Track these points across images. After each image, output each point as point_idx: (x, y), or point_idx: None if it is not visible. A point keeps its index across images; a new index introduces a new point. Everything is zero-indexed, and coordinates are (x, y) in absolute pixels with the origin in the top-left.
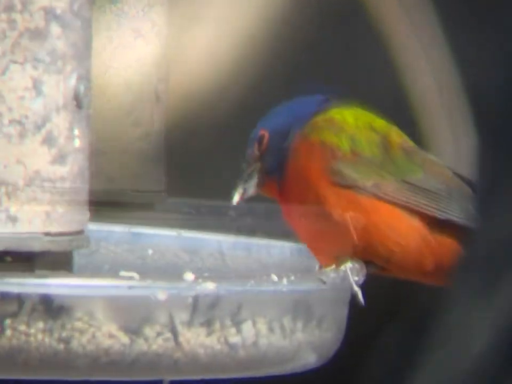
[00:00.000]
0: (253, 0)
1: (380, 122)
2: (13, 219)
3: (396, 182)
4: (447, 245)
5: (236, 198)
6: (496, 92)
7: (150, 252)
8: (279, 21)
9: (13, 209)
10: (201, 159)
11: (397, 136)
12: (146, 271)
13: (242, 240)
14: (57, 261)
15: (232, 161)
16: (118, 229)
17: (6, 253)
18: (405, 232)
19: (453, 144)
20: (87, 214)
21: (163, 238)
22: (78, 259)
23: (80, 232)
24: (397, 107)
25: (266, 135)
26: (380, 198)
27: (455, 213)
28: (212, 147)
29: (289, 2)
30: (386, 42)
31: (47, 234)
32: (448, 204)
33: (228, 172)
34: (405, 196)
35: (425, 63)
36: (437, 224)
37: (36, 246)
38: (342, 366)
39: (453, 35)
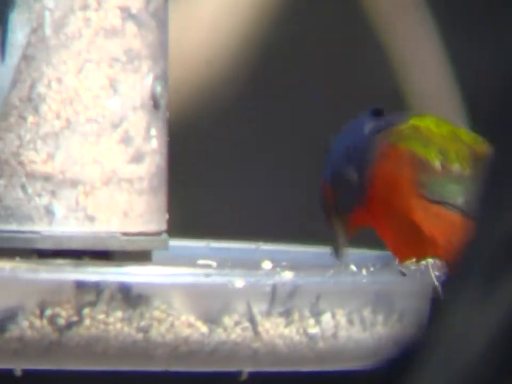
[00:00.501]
0: None
1: (464, 131)
2: (91, 218)
3: None
4: None
5: (338, 260)
6: (493, 91)
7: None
8: (280, 10)
9: (90, 209)
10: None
11: (484, 147)
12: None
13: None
14: (135, 261)
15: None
16: (196, 244)
17: (83, 252)
18: None
19: None
20: (166, 215)
21: (242, 251)
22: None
23: (158, 233)
24: (396, 106)
25: (328, 187)
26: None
27: None
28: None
29: None
30: (385, 43)
31: (124, 234)
32: None
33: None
34: None
35: (423, 63)
36: None
37: (113, 245)
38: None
39: (450, 35)
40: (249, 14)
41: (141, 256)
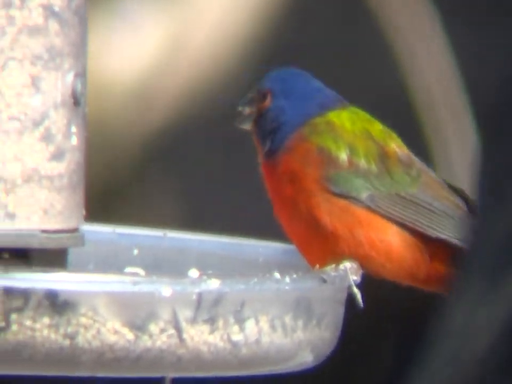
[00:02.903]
0: None
1: (378, 129)
2: (11, 216)
3: (390, 195)
4: (438, 261)
5: (240, 114)
6: (497, 90)
7: (136, 251)
8: (282, 10)
9: (11, 206)
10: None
11: (395, 145)
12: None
13: (234, 240)
14: (53, 257)
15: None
16: (102, 229)
17: (3, 249)
18: (396, 247)
19: (455, 143)
20: (83, 212)
21: (148, 238)
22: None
23: (76, 230)
24: (399, 105)
25: (269, 101)
26: (373, 211)
27: (447, 232)
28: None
29: None
30: (388, 41)
31: (44, 231)
32: (440, 222)
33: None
34: (398, 211)
35: (427, 61)
36: (428, 240)
37: (33, 243)
38: (341, 367)
39: (455, 33)
40: (252, 15)
41: (59, 253)
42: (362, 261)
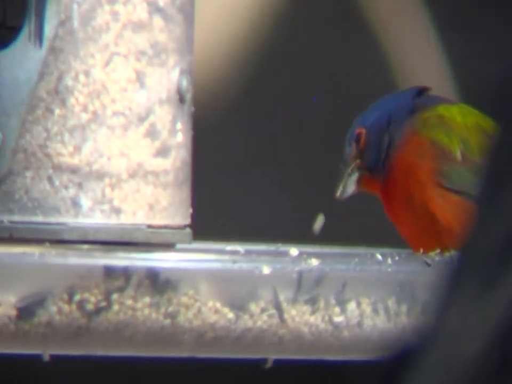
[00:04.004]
0: None
1: (490, 123)
2: (117, 211)
3: None
4: None
5: (338, 194)
6: (493, 91)
7: None
8: (279, 11)
9: (117, 201)
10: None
11: None
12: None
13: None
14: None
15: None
16: (212, 246)
17: (109, 243)
18: None
19: None
20: (190, 210)
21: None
22: None
23: (182, 227)
24: None
25: (364, 132)
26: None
27: None
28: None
29: None
30: (384, 44)
31: (150, 226)
32: None
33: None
34: None
35: (422, 64)
36: None
37: (139, 238)
38: (333, 366)
39: (449, 36)
40: (249, 15)
41: (165, 249)
42: None
